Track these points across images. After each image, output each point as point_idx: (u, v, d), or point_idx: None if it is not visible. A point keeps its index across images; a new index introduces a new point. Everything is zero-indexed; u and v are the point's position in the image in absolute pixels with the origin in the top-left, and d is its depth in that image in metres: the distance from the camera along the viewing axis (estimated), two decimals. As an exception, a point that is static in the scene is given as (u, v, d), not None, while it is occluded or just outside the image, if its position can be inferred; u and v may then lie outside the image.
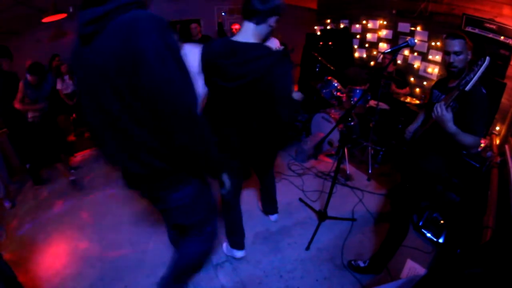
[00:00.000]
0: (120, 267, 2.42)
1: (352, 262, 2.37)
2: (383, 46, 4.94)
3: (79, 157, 4.52)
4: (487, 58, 1.57)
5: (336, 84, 4.14)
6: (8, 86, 3.32)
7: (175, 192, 1.39)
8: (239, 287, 2.23)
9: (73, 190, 3.61)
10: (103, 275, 2.37)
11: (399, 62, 4.63)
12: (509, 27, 3.09)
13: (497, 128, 3.21)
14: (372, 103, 3.97)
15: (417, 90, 4.41)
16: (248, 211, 2.87)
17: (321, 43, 5.42)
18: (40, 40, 5.13)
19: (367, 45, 5.29)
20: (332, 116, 3.96)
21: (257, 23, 1.60)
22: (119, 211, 3.11)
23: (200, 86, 1.66)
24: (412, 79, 4.48)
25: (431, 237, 2.59)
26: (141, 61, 0.98)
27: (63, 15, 4.20)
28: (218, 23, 6.15)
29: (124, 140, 1.22)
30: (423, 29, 4.20)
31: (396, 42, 4.66)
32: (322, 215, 2.71)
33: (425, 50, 4.22)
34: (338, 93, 4.13)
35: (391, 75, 4.19)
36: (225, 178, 1.49)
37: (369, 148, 3.83)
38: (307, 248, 2.56)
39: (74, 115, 4.99)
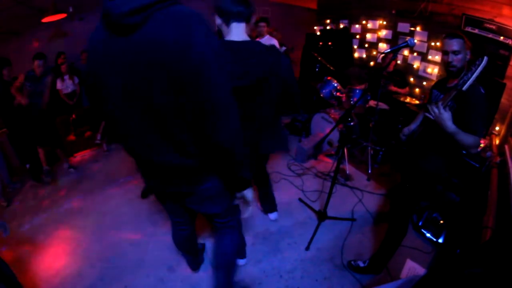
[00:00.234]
0: (120, 267, 2.42)
1: (352, 262, 2.37)
2: (382, 46, 4.95)
3: (78, 157, 4.51)
4: (485, 57, 1.57)
5: (335, 84, 4.14)
6: (8, 91, 3.39)
7: (206, 182, 1.40)
8: (239, 287, 2.23)
9: (72, 190, 3.61)
10: (103, 275, 2.37)
11: (398, 62, 4.63)
12: (509, 27, 3.10)
13: (497, 128, 3.21)
14: (372, 103, 3.97)
15: (417, 90, 4.41)
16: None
17: (320, 43, 5.43)
18: (40, 40, 5.13)
19: (366, 45, 5.30)
20: (332, 116, 3.96)
21: (247, 22, 1.66)
22: (119, 211, 3.11)
23: None
24: (411, 79, 4.49)
25: (431, 237, 2.59)
26: (193, 55, 0.99)
27: (63, 15, 4.20)
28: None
29: (166, 132, 1.18)
30: (422, 29, 4.20)
31: (396, 42, 4.66)
32: (321, 215, 2.71)
33: (424, 50, 4.22)
34: (338, 93, 4.14)
35: (391, 75, 4.20)
36: (249, 192, 1.47)
37: (369, 148, 3.83)
38: (307, 248, 2.56)
39: (74, 116, 4.99)
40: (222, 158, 1.23)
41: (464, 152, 2.48)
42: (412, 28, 4.33)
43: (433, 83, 2.25)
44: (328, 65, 4.55)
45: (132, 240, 2.70)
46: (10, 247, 2.71)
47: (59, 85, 4.81)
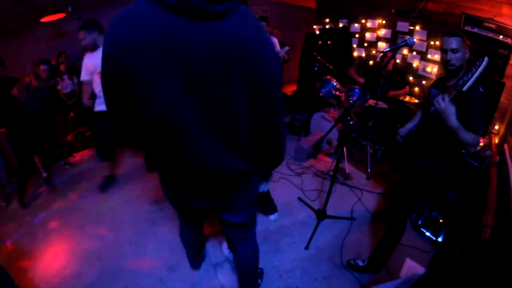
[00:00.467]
0: (120, 267, 2.42)
1: (351, 261, 2.37)
2: (382, 45, 4.95)
3: (78, 157, 4.50)
4: (486, 58, 1.57)
5: (335, 83, 4.14)
6: (3, 90, 3.36)
7: (248, 189, 1.40)
8: (239, 286, 2.23)
9: (72, 189, 3.60)
10: (102, 274, 2.36)
11: (398, 61, 4.63)
12: (508, 27, 3.10)
13: (496, 127, 3.22)
14: (371, 102, 3.97)
15: (416, 89, 4.42)
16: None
17: (320, 42, 5.43)
18: (39, 40, 5.12)
19: (366, 44, 5.30)
20: (331, 115, 3.96)
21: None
22: (118, 210, 3.11)
23: None
24: (411, 78, 4.49)
25: (430, 236, 2.60)
26: (265, 55, 1.02)
27: (62, 15, 4.19)
28: None
29: (229, 133, 1.12)
30: (422, 28, 4.20)
31: (395, 41, 4.66)
32: (321, 214, 2.71)
33: (424, 49, 4.22)
34: (337, 92, 4.14)
35: (390, 75, 4.20)
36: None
37: (368, 147, 3.83)
38: (306, 248, 2.56)
39: (72, 114, 4.97)
40: (273, 152, 1.27)
41: (463, 151, 2.49)
42: (412, 27, 4.34)
43: (432, 82, 2.25)
44: (327, 64, 4.55)
45: (131, 240, 2.70)
46: (10, 246, 2.71)
47: (59, 84, 4.80)
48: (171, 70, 0.96)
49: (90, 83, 3.02)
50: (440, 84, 2.06)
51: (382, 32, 4.88)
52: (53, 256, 2.59)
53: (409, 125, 2.33)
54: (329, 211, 2.73)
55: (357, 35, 5.39)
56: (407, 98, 4.07)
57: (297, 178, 3.64)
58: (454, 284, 1.09)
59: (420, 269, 2.33)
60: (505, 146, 2.73)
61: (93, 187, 3.60)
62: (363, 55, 5.38)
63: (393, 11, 4.56)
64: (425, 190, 2.11)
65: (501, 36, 3.17)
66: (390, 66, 4.31)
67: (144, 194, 3.35)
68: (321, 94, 4.19)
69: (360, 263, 2.32)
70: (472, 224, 2.15)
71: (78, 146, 4.74)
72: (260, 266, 2.39)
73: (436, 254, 2.48)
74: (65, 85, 4.90)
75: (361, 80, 4.63)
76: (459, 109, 1.76)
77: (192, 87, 0.99)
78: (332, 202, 2.71)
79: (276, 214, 2.89)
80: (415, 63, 4.39)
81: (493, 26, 3.23)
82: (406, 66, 4.54)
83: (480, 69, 1.57)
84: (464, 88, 1.62)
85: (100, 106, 3.05)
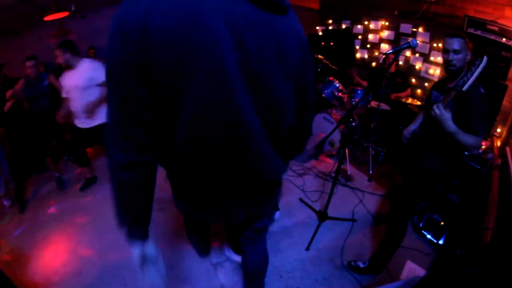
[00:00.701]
0: (120, 266, 2.42)
1: (352, 262, 2.37)
2: (385, 47, 4.94)
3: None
4: (485, 57, 1.58)
5: (337, 85, 4.14)
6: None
7: (280, 191, 1.31)
8: (239, 286, 2.23)
9: (73, 188, 3.61)
10: (103, 274, 2.37)
11: (401, 63, 4.62)
12: (511, 29, 3.09)
13: (498, 130, 3.20)
14: (374, 104, 3.97)
15: (419, 91, 4.41)
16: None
17: (322, 43, 5.42)
18: (42, 38, 5.14)
19: (369, 46, 5.29)
20: (334, 116, 3.95)
21: None
22: (119, 209, 3.10)
23: None
24: (413, 80, 4.48)
25: (431, 238, 2.59)
26: (310, 53, 1.04)
27: (65, 13, 4.20)
28: None
29: (278, 132, 1.03)
30: (425, 30, 4.20)
31: (398, 43, 4.66)
32: (322, 216, 2.71)
33: (427, 51, 4.21)
34: (340, 94, 4.13)
35: (393, 77, 4.19)
36: None
37: (370, 148, 3.83)
38: (307, 248, 2.56)
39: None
40: (300, 147, 1.24)
41: (465, 153, 2.49)
42: (415, 29, 4.33)
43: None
44: (330, 65, 4.54)
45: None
46: (10, 245, 2.72)
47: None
48: (254, 61, 0.84)
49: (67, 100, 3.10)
50: (440, 86, 2.06)
51: (385, 33, 4.87)
52: (54, 255, 2.60)
53: (412, 127, 2.32)
54: (330, 212, 2.72)
55: (360, 37, 5.38)
56: (409, 100, 4.06)
57: (298, 179, 3.64)
58: (455, 287, 1.09)
59: (420, 272, 2.32)
60: (507, 149, 2.72)
61: (93, 186, 3.61)
62: (366, 56, 5.38)
63: (396, 12, 4.55)
64: (426, 191, 2.10)
65: (504, 39, 3.15)
66: (393, 68, 4.31)
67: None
68: (323, 95, 4.19)
69: (361, 265, 2.32)
70: (473, 226, 2.14)
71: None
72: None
73: (437, 257, 2.47)
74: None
75: (364, 83, 4.63)
76: (460, 110, 1.76)
77: (252, 80, 0.86)
78: (333, 203, 2.71)
79: (278, 212, 2.88)
80: (418, 65, 4.38)
81: (496, 29, 3.22)
82: (409, 68, 4.53)
83: (479, 69, 1.57)
84: (464, 88, 1.62)
85: (81, 124, 3.12)
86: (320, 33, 6.10)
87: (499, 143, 3.04)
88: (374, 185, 3.54)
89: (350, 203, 3.18)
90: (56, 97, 3.45)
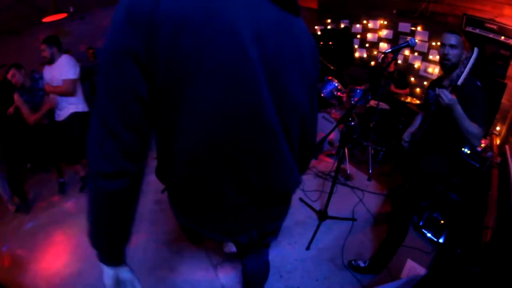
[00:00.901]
0: (121, 267, 2.42)
1: (353, 262, 2.37)
2: (383, 46, 4.95)
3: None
4: (475, 49, 1.58)
5: (336, 84, 4.14)
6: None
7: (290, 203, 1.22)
8: (239, 287, 2.23)
9: (73, 189, 3.61)
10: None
11: (399, 62, 4.63)
12: (510, 27, 3.09)
13: (498, 128, 3.21)
14: (373, 103, 3.97)
15: (418, 90, 4.42)
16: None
17: (321, 43, 5.42)
18: (40, 40, 5.13)
19: (367, 45, 5.30)
20: (333, 116, 3.96)
21: None
22: (119, 210, 3.10)
23: None
24: (412, 79, 4.49)
25: (432, 237, 2.59)
26: (317, 58, 0.95)
27: (64, 15, 4.20)
28: None
29: (291, 140, 0.94)
30: (423, 29, 4.20)
31: (397, 42, 4.66)
32: (322, 215, 2.71)
33: (425, 50, 4.22)
34: (339, 93, 4.13)
35: (391, 75, 4.19)
36: None
37: (370, 148, 3.83)
38: (307, 248, 2.56)
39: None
40: (309, 156, 1.15)
41: (466, 147, 2.48)
42: (413, 28, 4.33)
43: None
44: (329, 65, 4.55)
45: (132, 240, 2.69)
46: (11, 246, 2.72)
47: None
48: (276, 63, 0.79)
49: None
50: (436, 84, 2.06)
51: (383, 32, 4.88)
52: (54, 256, 2.60)
53: (410, 130, 2.32)
54: (330, 211, 2.73)
55: (358, 36, 5.39)
56: (409, 99, 4.06)
57: (298, 179, 3.63)
58: (455, 285, 1.09)
59: (421, 270, 2.32)
60: (507, 147, 2.72)
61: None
62: (365, 55, 5.38)
63: (394, 11, 4.56)
64: (427, 191, 2.10)
65: (502, 37, 3.16)
66: (392, 67, 4.31)
67: (145, 195, 3.34)
68: (322, 95, 4.19)
69: (362, 264, 2.32)
70: (473, 225, 2.14)
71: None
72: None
73: (437, 255, 2.47)
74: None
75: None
76: (459, 104, 1.76)
77: (271, 79, 0.78)
78: (333, 202, 2.71)
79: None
80: (417, 64, 4.39)
81: (495, 27, 3.22)
82: (408, 67, 4.54)
83: (471, 61, 1.58)
84: (459, 82, 1.62)
85: (58, 117, 3.27)
86: (319, 33, 6.10)
87: (498, 141, 3.04)
88: (374, 184, 3.54)
89: (350, 202, 3.18)
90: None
